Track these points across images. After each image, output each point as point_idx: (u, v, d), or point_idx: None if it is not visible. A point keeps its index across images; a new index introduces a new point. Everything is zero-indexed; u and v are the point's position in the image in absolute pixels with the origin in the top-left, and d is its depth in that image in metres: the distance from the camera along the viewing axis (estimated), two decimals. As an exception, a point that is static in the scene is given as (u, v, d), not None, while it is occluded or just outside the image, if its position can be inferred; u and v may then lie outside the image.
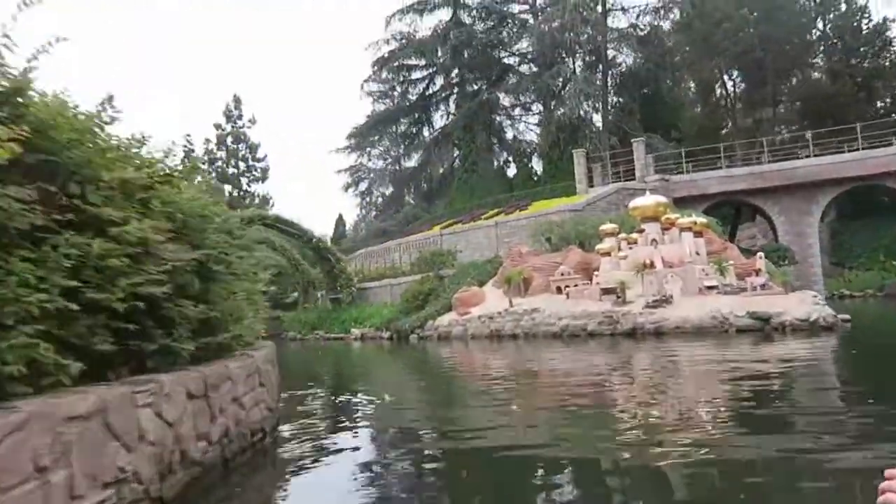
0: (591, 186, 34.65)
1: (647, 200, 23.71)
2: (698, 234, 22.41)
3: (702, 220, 24.01)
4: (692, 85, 47.55)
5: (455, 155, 49.32)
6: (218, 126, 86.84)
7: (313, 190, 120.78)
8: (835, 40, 43.11)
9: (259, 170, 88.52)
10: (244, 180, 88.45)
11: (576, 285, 22.21)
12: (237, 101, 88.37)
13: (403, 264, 33.55)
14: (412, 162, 53.90)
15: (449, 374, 15.01)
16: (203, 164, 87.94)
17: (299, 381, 13.49)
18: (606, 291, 20.28)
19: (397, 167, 54.72)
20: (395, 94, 51.19)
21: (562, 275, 23.19)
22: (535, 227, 28.33)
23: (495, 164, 46.62)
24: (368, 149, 58.47)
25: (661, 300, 18.85)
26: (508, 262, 26.53)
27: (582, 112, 39.46)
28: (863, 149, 31.29)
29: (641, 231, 23.27)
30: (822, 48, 43.74)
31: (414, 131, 52.57)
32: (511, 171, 46.30)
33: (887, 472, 0.95)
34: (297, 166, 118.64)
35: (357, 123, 52.55)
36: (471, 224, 33.43)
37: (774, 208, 32.58)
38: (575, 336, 19.65)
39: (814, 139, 34.19)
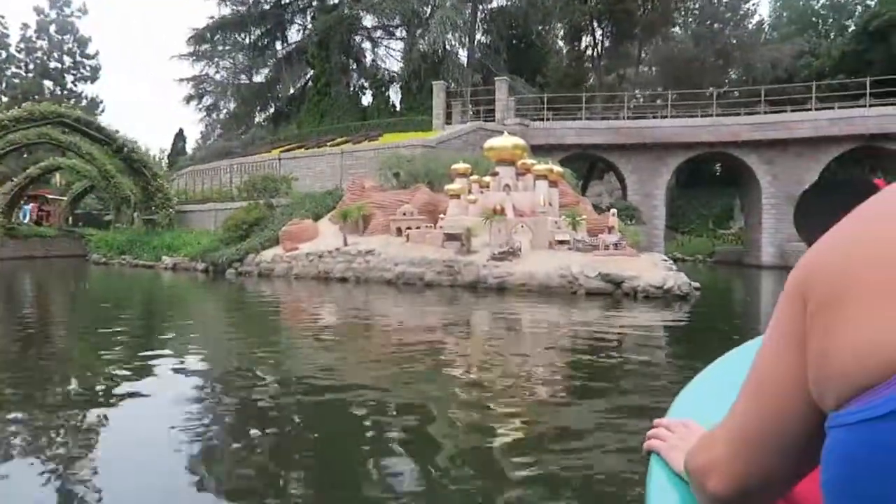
0: (449, 124, 32.02)
1: (505, 141, 21.40)
2: (553, 184, 20.51)
3: (558, 169, 22.16)
4: (561, 32, 45.84)
5: (308, 75, 44.59)
6: (39, 11, 74.45)
7: (154, 100, 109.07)
8: (698, 3, 43.07)
9: (88, 67, 77.47)
10: (69, 77, 76.95)
11: (418, 227, 19.63)
12: (65, -15, 76.26)
13: (233, 188, 29.28)
14: (261, 77, 48.25)
15: (261, 317, 12.02)
16: (19, 53, 75.50)
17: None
18: (450, 237, 17.86)
19: (246, 80, 48.67)
20: (247, -3, 45.00)
21: (404, 214, 20.50)
22: (383, 161, 25.27)
23: (350, 88, 42.46)
24: (216, 59, 51.78)
25: (508, 252, 16.71)
26: (349, 196, 23.40)
27: (447, 44, 36.36)
28: (716, 115, 31.07)
29: (495, 174, 21.01)
30: (687, 9, 43.52)
31: (265, 42, 46.90)
32: (366, 100, 42.52)
33: (655, 421, 0.97)
34: (136, 71, 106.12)
35: (198, 26, 45.91)
36: (314, 150, 29.66)
37: (627, 166, 31.82)
38: (410, 285, 17.13)
39: (672, 101, 33.70)
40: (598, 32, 43.11)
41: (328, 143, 30.61)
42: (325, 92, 39.25)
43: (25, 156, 38.99)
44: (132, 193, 30.51)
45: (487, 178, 21.09)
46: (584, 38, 44.71)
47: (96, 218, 42.58)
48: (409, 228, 19.77)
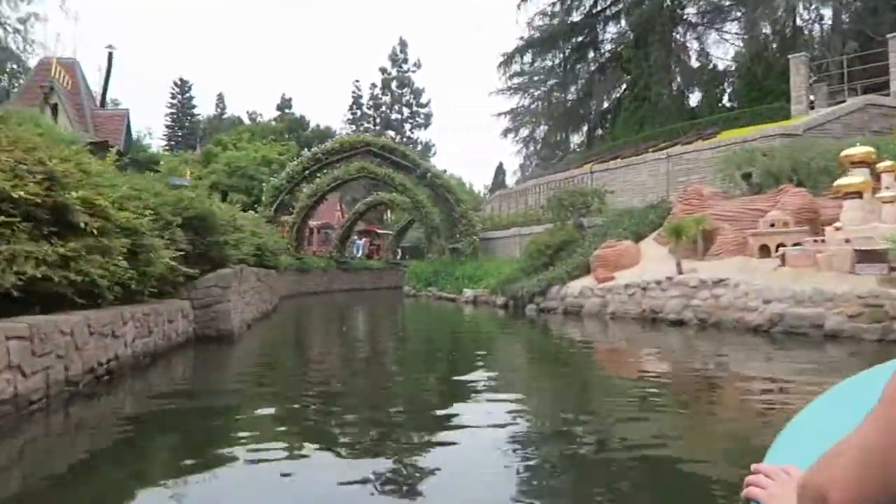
0: (812, 108, 23.47)
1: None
2: None
3: None
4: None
5: (622, 84, 39.02)
6: (383, 70, 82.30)
7: (475, 137, 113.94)
8: None
9: (422, 115, 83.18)
10: (407, 126, 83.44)
11: (796, 244, 12.56)
12: (403, 44, 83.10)
13: (538, 209, 25.04)
14: (572, 95, 44.06)
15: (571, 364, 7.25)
16: (368, 110, 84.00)
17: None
18: (865, 256, 10.56)
19: (557, 100, 45.00)
20: (558, 10, 41.31)
21: (772, 226, 13.57)
22: (725, 160, 18.41)
23: (673, 88, 35.55)
24: (531, 90, 49.43)
25: None
26: (681, 207, 17.16)
27: (804, 11, 27.54)
28: None
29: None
30: None
31: (576, 58, 42.69)
32: (694, 99, 35.22)
33: (753, 466, 0.91)
34: (460, 112, 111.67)
35: (506, 50, 43.72)
36: (632, 159, 23.86)
37: None
38: (796, 334, 10.31)
39: None
40: None
41: (650, 150, 24.56)
42: (644, 97, 33.21)
43: (367, 198, 40.89)
44: (439, 221, 28.36)
45: (908, 164, 13.02)
46: None
47: (419, 250, 42.63)
48: (781, 245, 12.82)
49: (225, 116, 79.69)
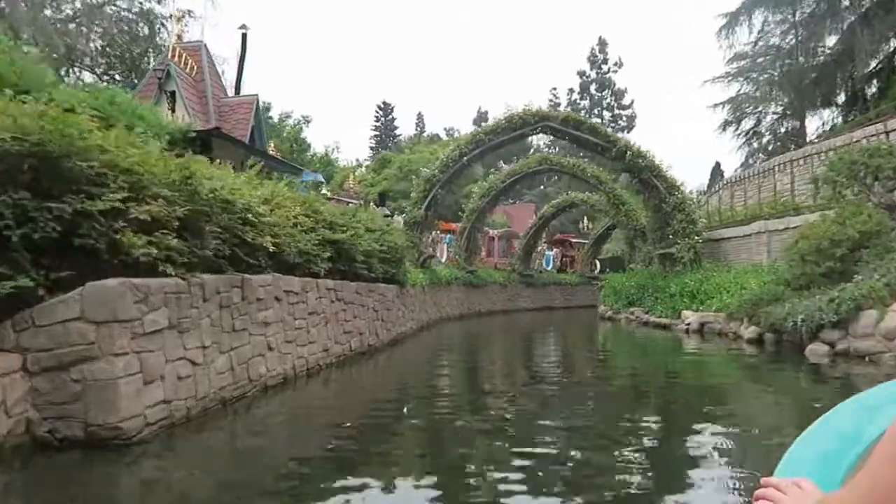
0: None
1: None
2: None
3: None
4: None
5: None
6: (581, 73, 75.03)
7: (684, 137, 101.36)
8: None
9: (625, 118, 74.25)
10: (609, 131, 75.34)
11: None
12: (602, 43, 75.24)
13: (797, 193, 16.42)
14: (820, 59, 33.24)
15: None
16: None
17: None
18: None
19: (797, 67, 34.37)
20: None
21: None
22: None
23: None
24: (753, 73, 39.64)
25: None
26: None
27: None
28: None
29: None
30: None
31: (823, 10, 32.05)
32: None
33: (763, 480, 0.86)
34: (667, 111, 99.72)
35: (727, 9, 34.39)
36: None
37: None
38: None
39: None
40: None
41: None
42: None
43: (556, 200, 34.12)
44: (645, 221, 20.80)
45: None
46: None
47: (621, 262, 34.45)
48: None
49: (424, 134, 78.42)
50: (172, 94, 17.09)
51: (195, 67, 18.16)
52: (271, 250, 6.48)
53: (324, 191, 20.68)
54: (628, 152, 18.05)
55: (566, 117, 18.90)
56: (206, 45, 18.64)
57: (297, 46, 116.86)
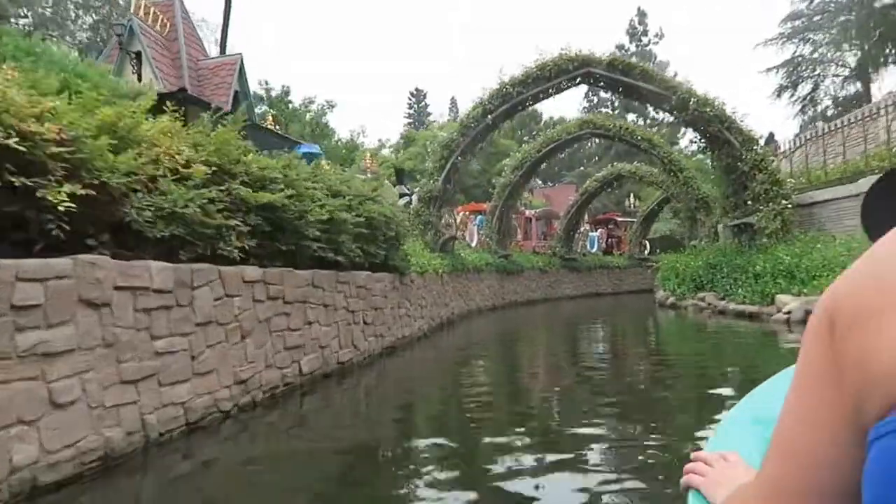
0: None
1: None
2: None
3: None
4: None
5: None
6: (620, 47, 70.16)
7: (734, 107, 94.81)
8: None
9: (668, 92, 69.45)
10: (650, 107, 70.30)
11: None
12: (641, 14, 70.30)
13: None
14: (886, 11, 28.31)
15: None
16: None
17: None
18: None
19: (860, 16, 29.46)
20: None
21: None
22: None
23: None
24: (810, 33, 35.51)
25: None
26: None
27: None
28: None
29: None
30: None
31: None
32: None
33: (693, 454, 0.86)
34: (712, 82, 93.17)
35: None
36: None
37: None
38: None
39: None
40: None
41: None
42: None
43: (600, 173, 29.97)
44: (710, 189, 16.91)
45: None
46: None
47: (674, 241, 30.19)
48: None
49: (456, 121, 75.23)
50: (138, 54, 14.09)
51: (167, 25, 15.14)
52: (68, 210, 3.21)
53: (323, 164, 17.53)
54: (692, 100, 14.22)
55: (612, 61, 15.13)
56: (181, 0, 15.60)
57: (335, 35, 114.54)
